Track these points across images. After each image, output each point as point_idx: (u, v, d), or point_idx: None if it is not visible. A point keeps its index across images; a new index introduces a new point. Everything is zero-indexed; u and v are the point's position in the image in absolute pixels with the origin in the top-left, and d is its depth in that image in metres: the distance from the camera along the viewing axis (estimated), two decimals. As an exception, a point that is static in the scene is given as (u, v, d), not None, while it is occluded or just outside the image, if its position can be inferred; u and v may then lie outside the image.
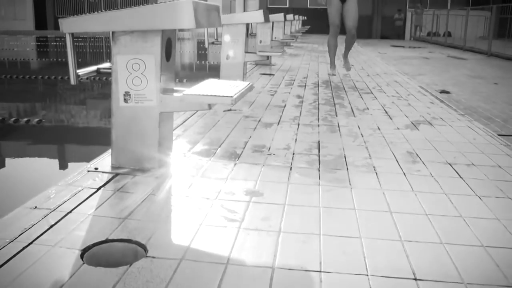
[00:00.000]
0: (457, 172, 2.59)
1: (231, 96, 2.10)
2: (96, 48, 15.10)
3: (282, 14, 8.77)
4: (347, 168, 2.60)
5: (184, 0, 2.06)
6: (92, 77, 3.86)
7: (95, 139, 4.63)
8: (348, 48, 6.77)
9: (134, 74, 2.31)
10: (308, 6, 27.78)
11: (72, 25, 2.29)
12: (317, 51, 12.40)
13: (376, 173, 2.53)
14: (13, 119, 4.93)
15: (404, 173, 2.55)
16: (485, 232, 1.84)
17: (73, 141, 4.68)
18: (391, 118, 4.00)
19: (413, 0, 26.91)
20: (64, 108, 6.14)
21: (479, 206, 2.12)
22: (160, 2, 2.20)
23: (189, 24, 2.06)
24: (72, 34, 2.31)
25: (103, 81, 6.87)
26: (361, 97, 5.06)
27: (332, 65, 6.92)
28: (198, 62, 11.58)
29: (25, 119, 4.90)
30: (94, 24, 2.26)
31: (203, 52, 13.59)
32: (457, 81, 7.16)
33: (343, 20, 6.36)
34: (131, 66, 2.30)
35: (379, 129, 3.59)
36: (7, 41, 19.60)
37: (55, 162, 4.07)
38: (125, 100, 2.35)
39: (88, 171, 2.41)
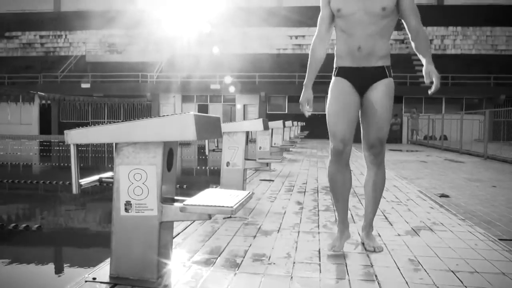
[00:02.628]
0: (460, 281, 2.55)
1: (231, 207, 2.12)
2: (97, 153, 15.30)
3: (281, 122, 9.00)
4: (349, 279, 2.57)
5: (186, 114, 2.14)
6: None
7: (95, 244, 4.59)
8: (374, 202, 3.28)
9: (136, 184, 2.34)
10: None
11: (77, 136, 2.36)
12: (316, 156, 12.58)
13: (378, 283, 2.49)
14: (12, 224, 4.91)
15: (407, 282, 2.51)
16: None
17: (72, 246, 4.63)
18: (391, 224, 3.99)
19: (408, 105, 27.71)
20: (64, 213, 6.12)
21: (484, 318, 2.07)
22: (164, 115, 2.27)
23: (191, 137, 2.12)
24: (77, 145, 2.37)
25: (103, 186, 6.90)
26: (361, 203, 5.07)
27: (340, 225, 3.19)
28: (198, 167, 11.70)
29: (24, 224, 4.88)
30: (98, 136, 2.33)
31: (203, 157, 13.77)
32: (456, 184, 7.20)
33: (362, 127, 3.22)
34: (133, 176, 2.34)
35: (379, 235, 3.57)
36: (11, 145, 19.93)
37: (52, 270, 4.00)
38: (126, 210, 2.37)
39: (86, 281, 2.37)
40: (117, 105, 29.78)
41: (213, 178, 8.43)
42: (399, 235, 3.61)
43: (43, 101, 21.59)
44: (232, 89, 28.57)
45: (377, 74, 3.01)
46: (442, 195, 6.06)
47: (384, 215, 4.39)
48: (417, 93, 28.07)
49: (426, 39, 3.04)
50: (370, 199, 3.26)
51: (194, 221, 3.86)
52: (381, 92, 3.02)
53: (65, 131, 2.37)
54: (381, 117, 3.05)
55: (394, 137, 27.00)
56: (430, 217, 4.34)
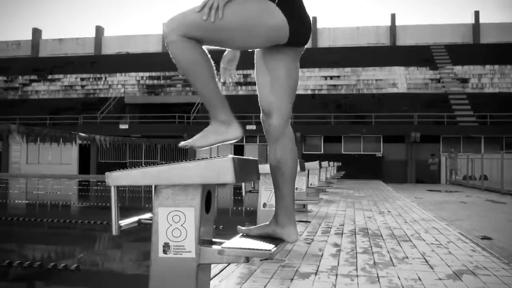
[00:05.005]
0: (506, 329, 2.46)
1: (270, 250, 2.11)
2: (135, 193, 15.48)
3: (317, 162, 8.97)
4: (389, 324, 2.50)
5: (225, 157, 2.16)
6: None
7: (132, 285, 4.61)
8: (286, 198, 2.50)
9: (174, 225, 2.36)
10: (343, 152, 28.38)
11: (118, 178, 2.40)
12: (353, 197, 12.45)
13: (420, 330, 2.42)
14: (51, 263, 4.98)
15: (450, 330, 2.43)
16: None
17: (110, 287, 4.67)
18: (432, 268, 3.90)
19: (446, 144, 27.31)
20: (102, 253, 6.19)
21: None
22: (200, 158, 2.30)
23: (229, 180, 2.14)
24: (117, 187, 2.41)
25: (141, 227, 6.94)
26: (400, 245, 4.97)
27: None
28: (234, 208, 11.70)
29: (63, 264, 4.95)
30: (138, 178, 2.36)
31: (239, 197, 13.78)
32: (498, 226, 7.01)
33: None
34: (172, 218, 2.36)
35: (420, 279, 3.49)
36: (51, 185, 20.36)
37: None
38: (164, 251, 2.38)
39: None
40: (155, 145, 30.22)
41: (249, 219, 8.41)
42: (440, 279, 3.51)
43: (83, 142, 22.16)
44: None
45: None
46: (484, 237, 5.90)
47: (424, 258, 4.29)
48: (454, 132, 27.69)
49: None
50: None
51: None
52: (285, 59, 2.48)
53: (106, 173, 2.42)
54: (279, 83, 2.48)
55: (432, 177, 26.58)
56: (472, 261, 4.22)
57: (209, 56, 2.20)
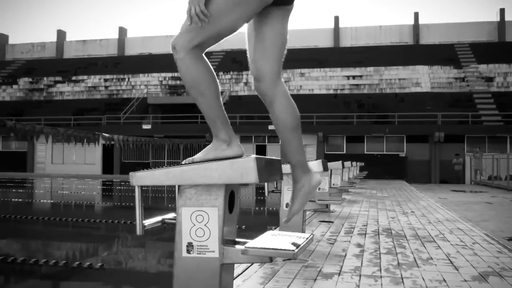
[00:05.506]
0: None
1: (293, 250, 2.10)
2: (158, 193, 15.59)
3: (340, 162, 8.91)
4: (414, 325, 2.48)
5: (248, 157, 2.17)
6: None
7: (156, 283, 4.65)
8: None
9: (198, 225, 2.37)
10: (365, 152, 28.20)
11: (142, 179, 2.42)
12: (376, 197, 12.36)
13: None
14: (76, 262, 5.04)
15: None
16: None
17: (134, 286, 4.71)
18: (457, 269, 3.85)
19: (470, 144, 26.96)
20: (125, 252, 6.24)
21: None
22: (225, 157, 2.30)
23: (252, 180, 2.14)
24: (141, 187, 2.43)
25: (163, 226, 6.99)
26: (424, 246, 4.92)
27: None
28: (256, 208, 11.70)
29: (88, 262, 5.00)
30: (162, 178, 2.38)
31: (261, 197, 13.78)
32: (525, 228, 6.90)
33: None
34: (195, 218, 2.37)
35: (444, 281, 3.45)
36: (76, 184, 20.61)
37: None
38: (188, 251, 2.39)
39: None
40: (177, 145, 30.38)
41: (272, 219, 8.40)
42: (465, 280, 3.47)
43: (107, 142, 22.44)
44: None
45: None
46: (511, 239, 5.81)
47: (449, 259, 4.24)
48: (479, 132, 27.32)
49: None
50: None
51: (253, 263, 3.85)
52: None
53: (130, 173, 2.43)
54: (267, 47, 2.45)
55: (457, 177, 26.26)
56: (498, 262, 4.15)
57: (215, 76, 2.22)
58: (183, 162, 2.37)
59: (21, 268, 5.01)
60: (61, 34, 48.54)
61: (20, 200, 13.28)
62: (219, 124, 2.28)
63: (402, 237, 5.54)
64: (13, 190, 17.17)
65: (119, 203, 13.73)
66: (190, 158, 2.35)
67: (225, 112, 2.29)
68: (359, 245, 4.90)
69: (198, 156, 2.34)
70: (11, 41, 50.44)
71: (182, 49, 2.13)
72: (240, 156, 2.28)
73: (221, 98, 2.27)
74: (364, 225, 6.53)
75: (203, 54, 2.19)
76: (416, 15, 42.30)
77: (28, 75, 42.18)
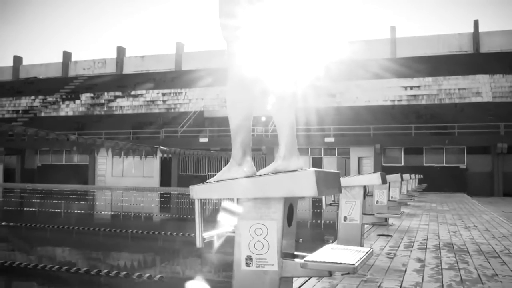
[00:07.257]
0: None
1: (353, 264, 2.07)
2: (216, 205, 15.74)
3: (399, 175, 8.75)
4: None
5: (307, 170, 2.16)
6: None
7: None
8: None
9: (257, 238, 2.37)
10: (424, 164, 27.55)
11: (201, 192, 2.45)
12: (436, 210, 12.04)
13: None
14: (136, 273, 5.15)
15: None
16: None
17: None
18: (525, 286, 3.69)
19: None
20: (183, 264, 6.32)
21: None
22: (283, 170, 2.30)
23: (311, 193, 2.13)
24: (201, 200, 2.46)
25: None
26: (488, 262, 4.75)
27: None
28: (313, 221, 11.62)
29: (148, 274, 5.09)
30: (221, 191, 2.40)
31: (318, 210, 13.67)
32: None
33: None
34: (254, 231, 2.38)
35: (512, 298, 3.31)
36: (135, 197, 21.08)
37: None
38: (247, 264, 2.40)
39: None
40: (233, 158, 30.52)
41: (329, 232, 8.33)
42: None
43: (164, 155, 22.87)
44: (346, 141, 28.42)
45: None
46: None
47: (516, 276, 4.07)
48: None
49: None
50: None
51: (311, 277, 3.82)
52: None
53: (190, 186, 2.47)
54: None
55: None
56: None
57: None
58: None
59: (84, 278, 5.15)
60: (120, 50, 49.97)
61: (82, 211, 13.70)
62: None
63: (464, 252, 5.37)
64: (75, 202, 17.74)
65: (177, 215, 13.94)
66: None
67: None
68: (419, 260, 4.78)
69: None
70: (74, 58, 52.33)
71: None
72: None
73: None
74: (425, 239, 6.36)
75: None
76: (476, 23, 41.17)
77: (89, 90, 43.63)
